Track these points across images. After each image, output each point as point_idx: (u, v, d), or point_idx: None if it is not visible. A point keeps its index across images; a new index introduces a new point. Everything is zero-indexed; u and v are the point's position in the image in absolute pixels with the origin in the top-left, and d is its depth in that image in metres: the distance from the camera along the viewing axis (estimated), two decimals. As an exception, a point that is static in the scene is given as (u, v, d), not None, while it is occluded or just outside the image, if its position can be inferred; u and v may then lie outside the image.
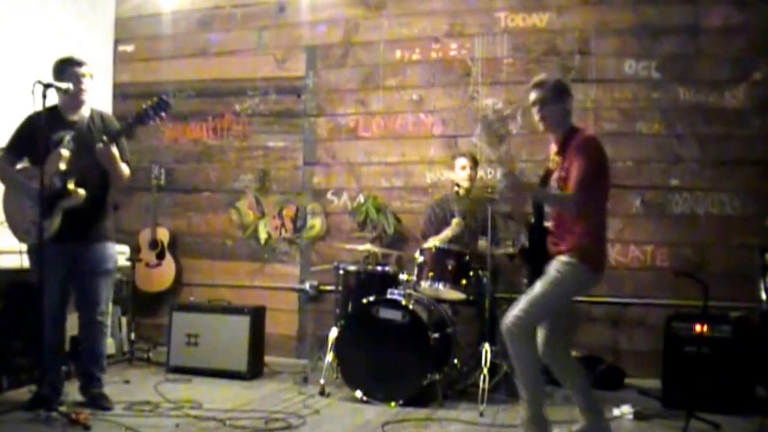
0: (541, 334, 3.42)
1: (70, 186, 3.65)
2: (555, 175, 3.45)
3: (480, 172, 5.35)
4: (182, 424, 3.64)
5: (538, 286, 3.34)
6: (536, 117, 3.48)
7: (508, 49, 5.45)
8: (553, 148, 3.54)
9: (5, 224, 3.90)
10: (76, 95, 3.80)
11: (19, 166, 3.86)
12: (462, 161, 4.96)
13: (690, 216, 5.05)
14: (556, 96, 3.44)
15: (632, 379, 4.84)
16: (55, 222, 3.68)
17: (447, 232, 4.75)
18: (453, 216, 4.96)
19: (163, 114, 3.66)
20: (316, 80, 5.90)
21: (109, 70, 6.33)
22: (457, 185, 4.83)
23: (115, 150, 3.72)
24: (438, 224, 5.02)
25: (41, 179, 3.55)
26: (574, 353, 4.91)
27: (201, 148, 6.18)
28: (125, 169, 3.88)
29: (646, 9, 5.16)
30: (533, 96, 3.46)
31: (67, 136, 3.78)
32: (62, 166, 3.66)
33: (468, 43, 5.53)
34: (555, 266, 3.35)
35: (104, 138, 3.69)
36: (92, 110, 3.95)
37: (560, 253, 3.37)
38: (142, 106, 3.70)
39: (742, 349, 4.13)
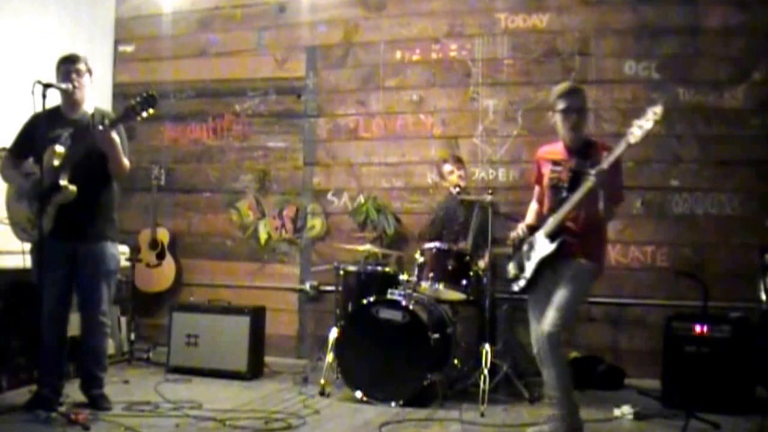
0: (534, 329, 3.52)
1: (62, 182, 3.65)
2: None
3: (481, 174, 5.38)
4: (182, 424, 3.64)
5: (567, 292, 3.37)
6: (569, 124, 3.46)
7: (508, 50, 5.45)
8: (557, 153, 3.56)
9: (5, 223, 3.90)
10: (71, 94, 3.81)
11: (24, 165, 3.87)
12: (448, 167, 4.96)
13: (690, 216, 5.05)
14: (586, 104, 3.56)
15: (632, 379, 4.84)
16: (49, 218, 3.67)
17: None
18: (450, 220, 4.97)
19: (150, 109, 3.66)
20: (316, 81, 5.90)
21: (109, 70, 6.33)
22: (457, 186, 4.82)
23: (116, 136, 3.72)
24: (438, 228, 5.03)
25: (40, 177, 3.56)
26: (574, 353, 4.95)
27: (201, 149, 6.18)
28: (125, 160, 3.87)
29: (646, 9, 5.17)
30: (571, 103, 3.46)
31: (65, 133, 3.78)
32: (56, 162, 3.67)
33: (468, 44, 5.53)
34: (578, 271, 3.40)
35: (105, 121, 3.68)
36: (96, 109, 3.96)
37: (578, 255, 3.40)
38: (130, 102, 3.71)
39: (742, 349, 4.12)
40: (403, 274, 4.68)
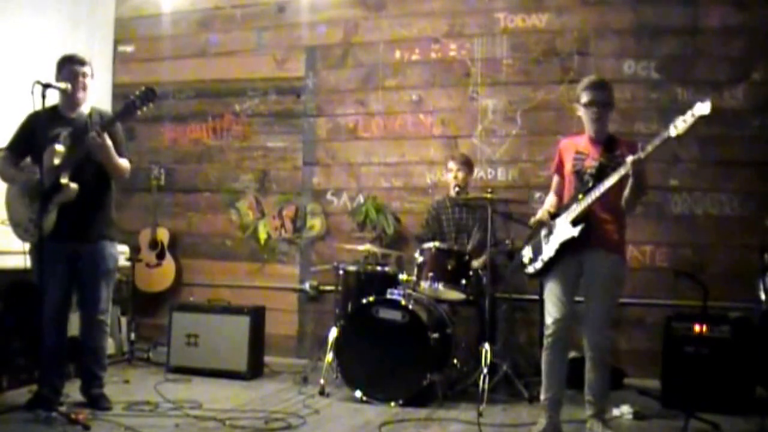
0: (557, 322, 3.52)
1: (63, 180, 3.66)
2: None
3: (480, 173, 5.38)
4: (182, 424, 3.64)
5: (606, 297, 3.44)
6: (591, 116, 3.49)
7: (507, 50, 5.46)
8: (581, 144, 3.58)
9: (6, 224, 3.90)
10: (71, 94, 3.81)
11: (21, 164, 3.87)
12: (452, 164, 4.96)
13: (689, 216, 5.06)
14: (612, 98, 3.55)
15: (632, 379, 4.84)
16: (51, 218, 3.67)
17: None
18: (447, 219, 4.98)
19: (149, 104, 3.65)
20: (315, 80, 5.90)
21: (109, 70, 6.33)
22: (457, 186, 4.84)
23: (108, 141, 3.71)
24: (433, 228, 5.04)
25: (41, 176, 3.55)
26: (573, 354, 4.94)
27: (201, 149, 6.19)
28: (123, 162, 3.86)
29: (646, 9, 5.18)
30: (594, 96, 3.47)
31: (64, 132, 3.78)
32: (56, 161, 3.67)
33: (468, 44, 5.54)
34: (612, 268, 3.45)
35: (96, 128, 3.68)
36: (92, 108, 3.95)
37: (602, 245, 3.42)
38: (129, 97, 3.70)
39: (742, 350, 4.13)
40: (402, 273, 4.69)
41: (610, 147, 3.50)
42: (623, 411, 4.01)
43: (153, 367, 5.14)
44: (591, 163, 3.49)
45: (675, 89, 5.09)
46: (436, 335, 4.23)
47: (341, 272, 4.80)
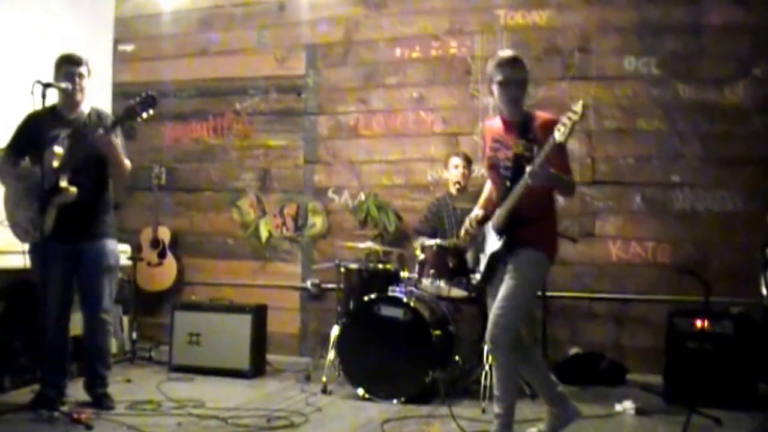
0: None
1: (62, 183, 3.66)
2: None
3: (481, 171, 5.37)
4: (184, 423, 3.65)
5: (506, 286, 3.19)
6: (506, 96, 3.21)
7: (508, 47, 5.43)
8: (498, 131, 3.32)
9: (5, 223, 3.90)
10: (70, 94, 3.81)
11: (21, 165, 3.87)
12: (455, 160, 4.96)
13: (691, 213, 5.05)
14: (527, 76, 3.28)
15: (634, 375, 4.84)
16: (50, 219, 3.67)
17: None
18: (448, 217, 4.98)
19: (150, 110, 3.65)
20: (316, 79, 5.90)
21: (109, 70, 6.33)
22: (457, 183, 4.84)
23: (116, 139, 3.71)
24: (432, 223, 5.03)
25: (42, 178, 3.56)
26: (576, 350, 4.96)
27: (202, 147, 6.19)
28: (126, 161, 3.87)
29: (647, 6, 5.16)
30: (510, 74, 3.20)
31: (63, 134, 3.78)
32: (55, 163, 3.67)
33: (468, 41, 5.53)
34: (522, 262, 3.20)
35: (103, 124, 3.68)
36: (92, 108, 3.95)
37: (523, 245, 3.21)
38: (130, 103, 3.70)
39: (744, 345, 4.13)
40: (404, 271, 4.69)
41: (524, 130, 3.18)
42: (626, 406, 4.02)
43: (155, 366, 5.14)
44: (506, 154, 3.22)
45: (676, 86, 5.08)
46: (438, 332, 4.23)
47: (343, 270, 4.80)
